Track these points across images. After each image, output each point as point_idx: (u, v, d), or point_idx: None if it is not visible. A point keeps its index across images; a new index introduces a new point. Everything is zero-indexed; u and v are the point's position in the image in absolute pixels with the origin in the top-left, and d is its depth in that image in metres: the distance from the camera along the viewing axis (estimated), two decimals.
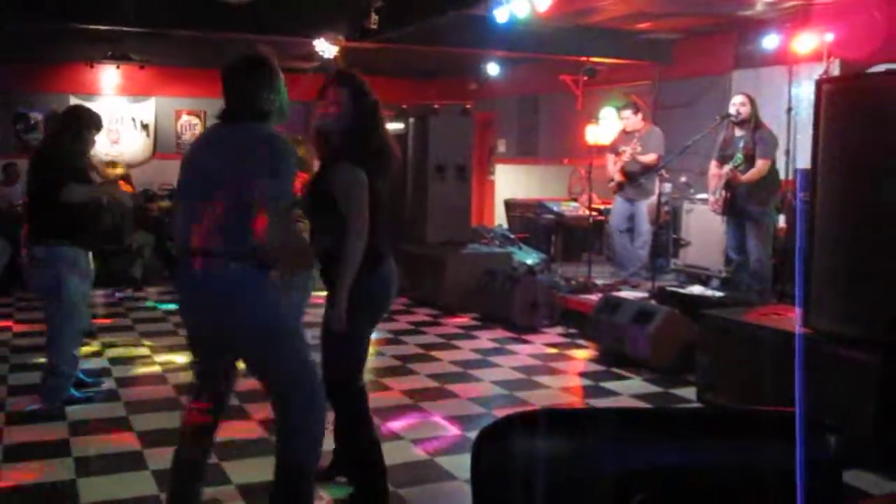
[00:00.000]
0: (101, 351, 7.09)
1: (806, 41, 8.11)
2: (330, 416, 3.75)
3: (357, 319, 3.68)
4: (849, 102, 4.96)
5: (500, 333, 8.05)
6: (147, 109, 14.49)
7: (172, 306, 8.60)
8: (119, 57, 12.14)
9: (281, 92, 3.42)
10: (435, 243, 9.73)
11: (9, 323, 8.21)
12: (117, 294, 9.79)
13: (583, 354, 7.31)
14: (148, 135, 14.53)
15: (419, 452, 4.87)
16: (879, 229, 4.71)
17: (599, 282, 8.84)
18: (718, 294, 7.17)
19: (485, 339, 7.87)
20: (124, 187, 10.74)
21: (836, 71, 7.94)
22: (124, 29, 9.38)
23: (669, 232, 9.29)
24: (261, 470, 4.16)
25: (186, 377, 6.17)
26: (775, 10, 8.65)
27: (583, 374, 6.71)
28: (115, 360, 6.81)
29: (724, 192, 7.37)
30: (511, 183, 13.95)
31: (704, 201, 8.06)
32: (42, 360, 5.89)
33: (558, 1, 7.60)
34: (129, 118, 14.41)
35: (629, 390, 6.25)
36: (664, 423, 1.84)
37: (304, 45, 9.96)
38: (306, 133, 4.29)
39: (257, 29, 8.75)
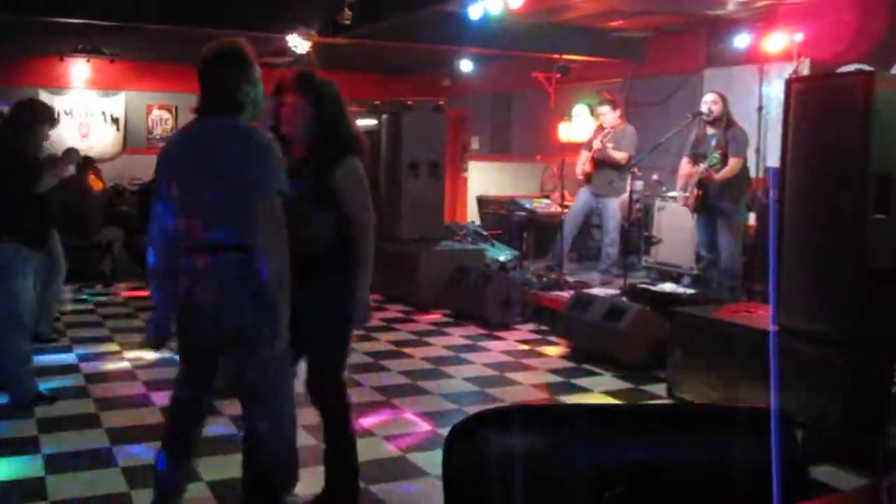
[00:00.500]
0: (70, 346, 7.02)
1: (776, 40, 8.20)
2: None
3: (350, 316, 3.78)
4: (818, 102, 5.01)
5: (472, 330, 8.06)
6: (117, 104, 14.36)
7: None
8: (89, 51, 12.04)
9: (257, 84, 3.38)
10: (408, 240, 9.71)
11: None
12: (86, 290, 9.69)
13: (554, 351, 7.34)
14: (118, 129, 14.40)
15: (391, 449, 4.87)
16: (847, 228, 4.76)
17: (570, 279, 8.88)
18: (690, 291, 7.20)
19: (457, 335, 7.88)
20: (94, 182, 10.69)
21: (805, 70, 8.02)
22: (95, 22, 9.30)
23: (641, 229, 9.34)
24: (232, 466, 4.12)
25: (157, 374, 6.14)
26: (746, 9, 8.74)
27: (554, 371, 6.72)
28: (83, 357, 6.74)
29: (695, 190, 7.42)
30: (484, 180, 13.96)
31: (676, 199, 8.11)
32: None
33: None
34: (100, 112, 14.28)
35: (600, 387, 6.28)
36: (635, 420, 1.85)
37: (276, 41, 9.90)
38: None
39: (229, 23, 8.69)
